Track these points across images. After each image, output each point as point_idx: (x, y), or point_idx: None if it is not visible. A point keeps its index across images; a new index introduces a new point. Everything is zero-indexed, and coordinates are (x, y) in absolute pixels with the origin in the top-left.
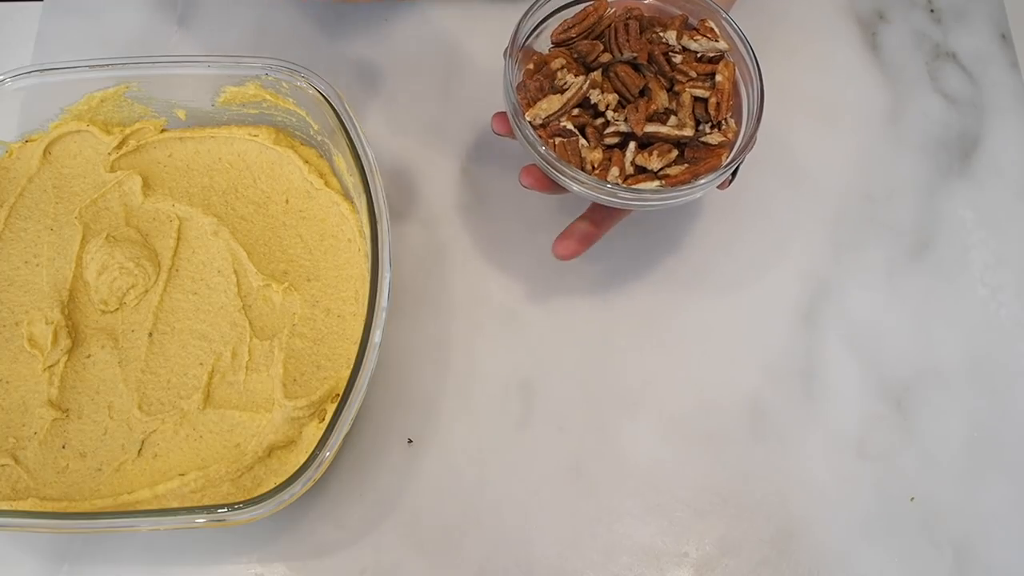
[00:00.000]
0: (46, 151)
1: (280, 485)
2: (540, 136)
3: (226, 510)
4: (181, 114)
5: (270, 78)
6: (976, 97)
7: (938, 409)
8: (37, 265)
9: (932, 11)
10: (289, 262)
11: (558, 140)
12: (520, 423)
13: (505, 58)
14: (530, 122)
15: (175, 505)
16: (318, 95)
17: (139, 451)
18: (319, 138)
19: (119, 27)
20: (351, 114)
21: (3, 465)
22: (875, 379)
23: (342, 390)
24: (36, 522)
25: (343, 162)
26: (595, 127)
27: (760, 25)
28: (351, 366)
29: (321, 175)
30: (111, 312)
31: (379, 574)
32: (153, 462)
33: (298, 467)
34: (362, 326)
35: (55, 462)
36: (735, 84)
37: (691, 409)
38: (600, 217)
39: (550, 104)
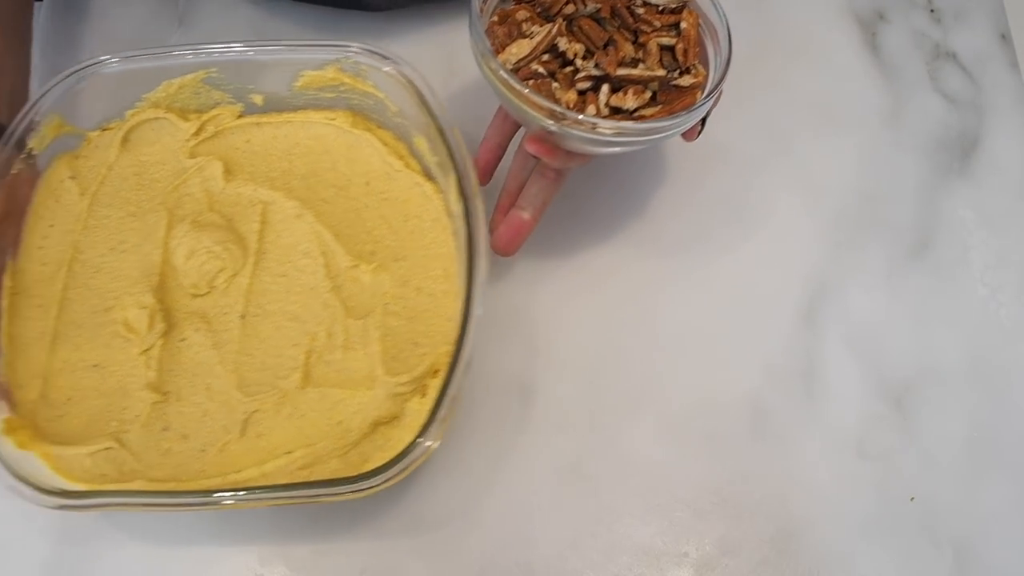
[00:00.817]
0: (124, 139)
1: (396, 457)
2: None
3: (348, 484)
4: (258, 99)
5: (350, 61)
6: (976, 97)
7: (938, 409)
8: (123, 251)
9: (932, 11)
10: (375, 243)
11: (531, 82)
12: (520, 423)
13: (472, 6)
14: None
15: (283, 482)
16: (401, 77)
17: (242, 431)
18: (396, 120)
19: (119, 27)
20: (435, 94)
21: (108, 448)
22: (875, 379)
23: (442, 366)
24: (160, 500)
25: (424, 143)
26: (564, 74)
27: (760, 25)
28: (448, 343)
29: (400, 157)
30: (201, 296)
31: (379, 574)
32: (257, 441)
33: (404, 443)
34: (455, 303)
35: (158, 444)
36: (700, 31)
37: (691, 409)
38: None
39: (520, 48)
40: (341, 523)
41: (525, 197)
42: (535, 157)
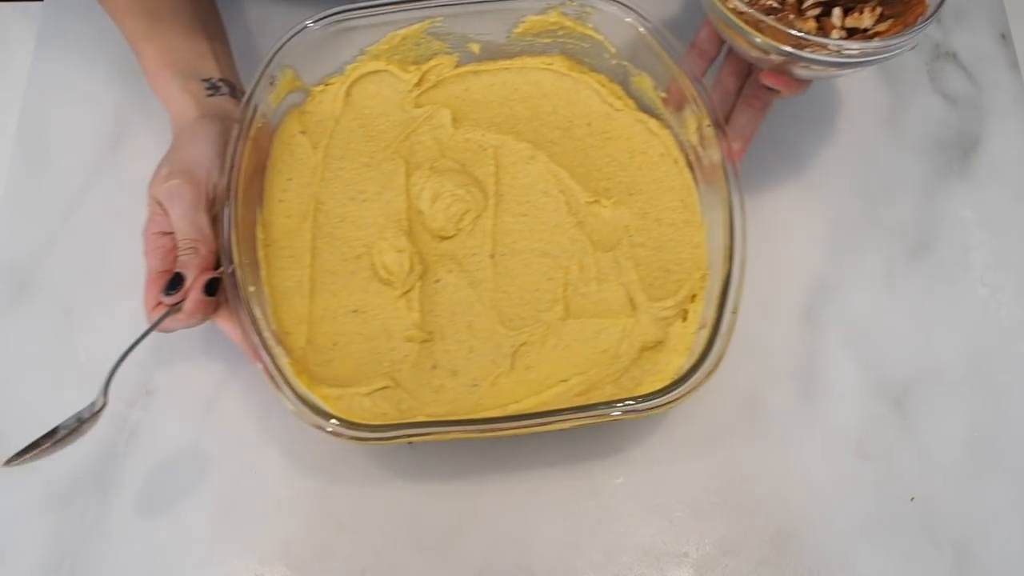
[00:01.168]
0: (347, 93)
1: (692, 368)
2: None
3: (640, 401)
4: (475, 48)
5: (574, 4)
6: (976, 97)
7: (938, 409)
8: (363, 200)
9: None
10: (607, 179)
11: (770, 17)
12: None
13: None
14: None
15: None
16: (635, 21)
17: (512, 364)
18: (613, 62)
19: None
20: (664, 31)
21: (385, 387)
22: (875, 379)
23: (698, 290)
24: (468, 429)
25: (646, 81)
26: (791, 4)
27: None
28: (701, 268)
29: (618, 97)
30: (448, 238)
31: (379, 574)
32: (527, 373)
33: (671, 366)
34: (698, 232)
35: (430, 382)
36: None
37: (691, 409)
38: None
39: None
40: (341, 523)
41: (733, 128)
42: (737, 89)
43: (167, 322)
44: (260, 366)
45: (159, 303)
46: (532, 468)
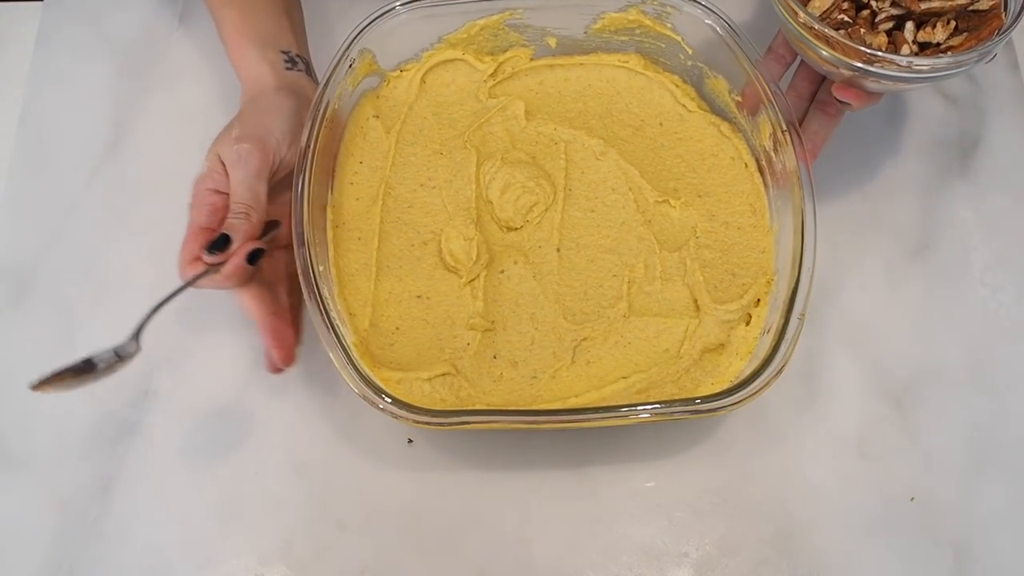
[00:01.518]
0: (422, 80)
1: (755, 371)
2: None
3: (705, 401)
4: (552, 42)
5: (655, 3)
6: (976, 97)
7: (938, 409)
8: (433, 188)
9: None
10: (676, 180)
11: (841, 31)
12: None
13: None
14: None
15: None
16: (717, 22)
17: (572, 359)
18: (688, 63)
19: (119, 26)
20: (744, 34)
21: (446, 374)
22: (875, 379)
23: (763, 295)
24: (529, 419)
25: (722, 84)
26: (863, 18)
27: (759, 26)
28: (767, 274)
29: (692, 99)
30: (515, 229)
31: (379, 574)
32: (587, 368)
33: (731, 369)
34: (766, 237)
35: (489, 371)
36: None
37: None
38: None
39: (823, 1)
40: (342, 524)
41: (805, 133)
42: (811, 94)
43: (201, 280)
44: (274, 350)
45: (198, 258)
46: (532, 468)
